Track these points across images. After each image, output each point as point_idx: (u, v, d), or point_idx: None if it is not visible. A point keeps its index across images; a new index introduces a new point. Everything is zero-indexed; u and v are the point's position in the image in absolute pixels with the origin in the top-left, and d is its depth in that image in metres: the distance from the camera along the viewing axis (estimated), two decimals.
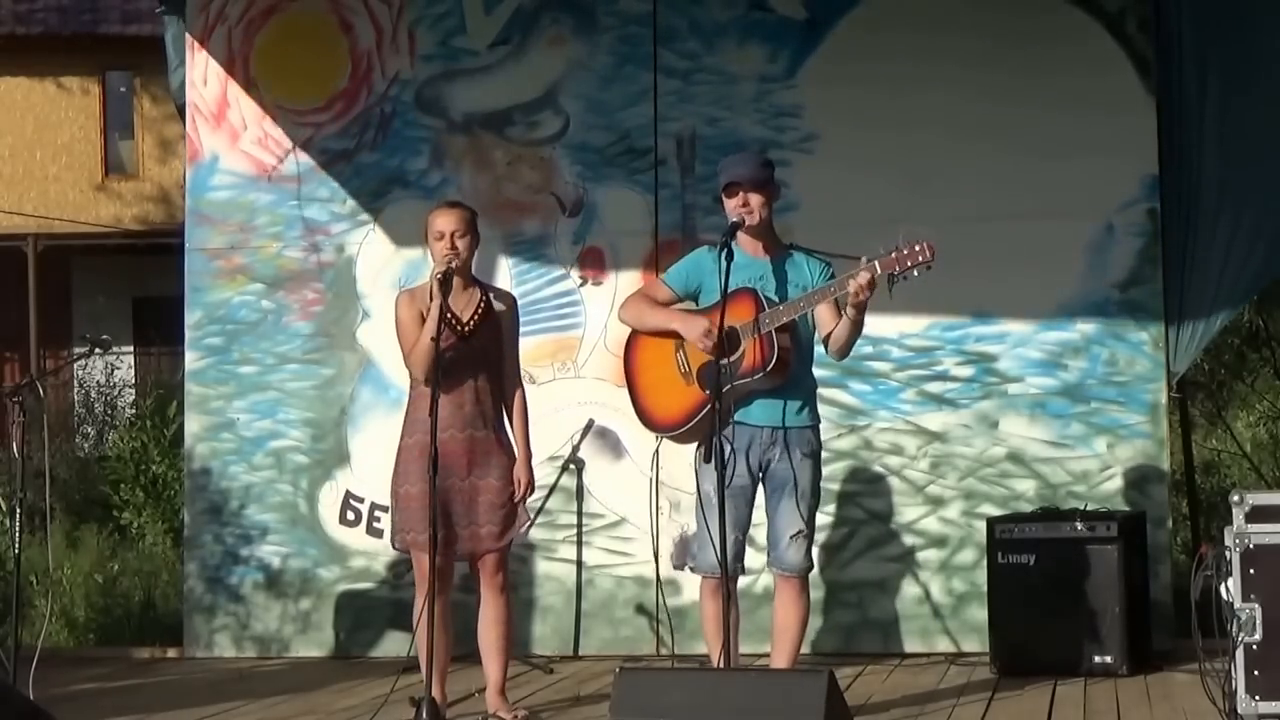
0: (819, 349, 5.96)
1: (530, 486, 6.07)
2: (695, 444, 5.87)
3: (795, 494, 5.81)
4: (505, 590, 6.08)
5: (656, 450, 6.34)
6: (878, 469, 7.65)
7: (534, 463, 6.13)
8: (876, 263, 5.60)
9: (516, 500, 6.02)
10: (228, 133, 8.25)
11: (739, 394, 5.76)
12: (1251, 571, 5.39)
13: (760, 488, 5.89)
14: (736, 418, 5.76)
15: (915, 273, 5.61)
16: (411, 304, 6.02)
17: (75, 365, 16.88)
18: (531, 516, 6.19)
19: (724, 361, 5.65)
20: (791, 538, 5.83)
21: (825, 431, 6.03)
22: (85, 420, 17.36)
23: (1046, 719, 5.98)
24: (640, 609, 7.76)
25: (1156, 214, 7.45)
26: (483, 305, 6.04)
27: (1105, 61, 7.50)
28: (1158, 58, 7.48)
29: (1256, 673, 5.34)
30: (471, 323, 6.00)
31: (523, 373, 6.25)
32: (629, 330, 6.09)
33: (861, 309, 5.67)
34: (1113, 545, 6.79)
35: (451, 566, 6.08)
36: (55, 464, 12.69)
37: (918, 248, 5.59)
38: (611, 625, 7.79)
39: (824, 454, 6.04)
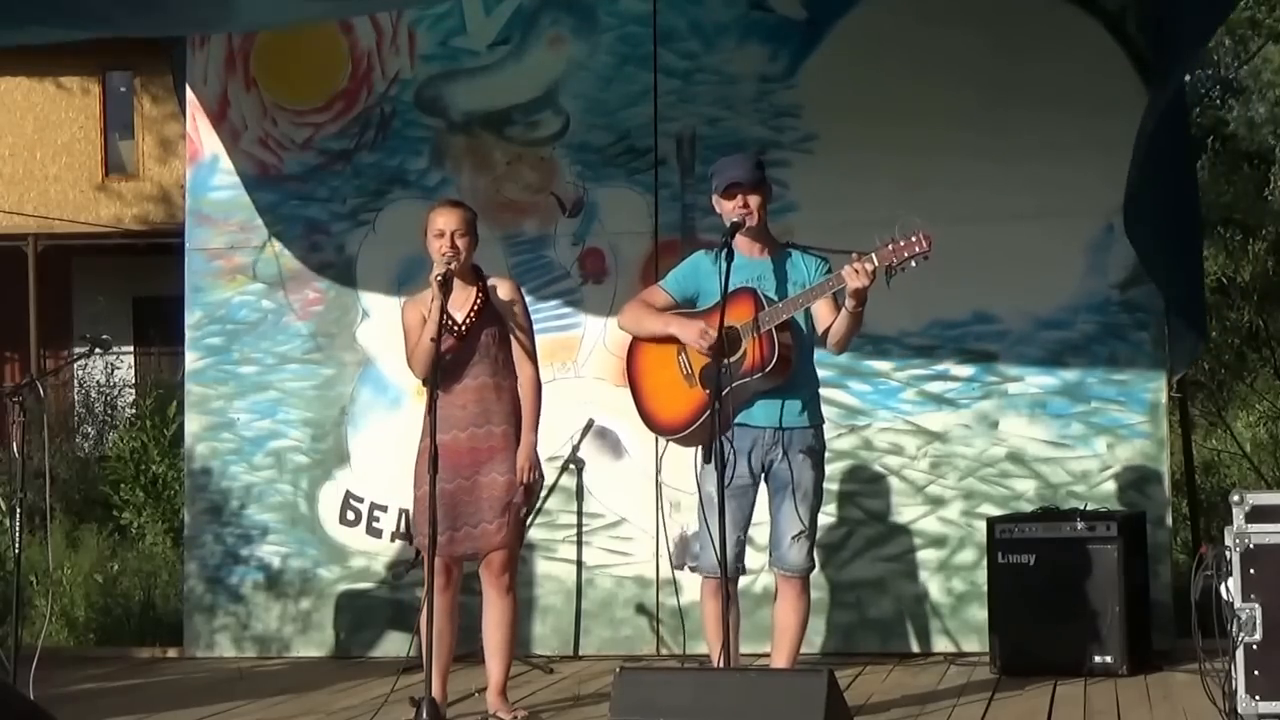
0: (819, 348, 5.96)
1: (531, 471, 5.99)
2: (698, 446, 5.86)
3: (796, 495, 5.82)
4: (511, 591, 6.08)
5: (661, 454, 6.33)
6: (878, 469, 7.65)
7: None
8: (874, 255, 5.61)
9: (519, 483, 5.99)
10: (228, 133, 8.25)
11: (742, 396, 5.75)
12: (1251, 571, 5.39)
13: (763, 488, 5.89)
14: (739, 419, 5.76)
15: (913, 263, 5.62)
16: (415, 308, 6.04)
17: (75, 365, 16.88)
18: (527, 503, 6.14)
19: (725, 362, 5.65)
20: (793, 538, 5.83)
21: (825, 431, 6.02)
22: (85, 420, 17.35)
23: (1046, 719, 5.98)
24: (640, 609, 7.76)
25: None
26: (479, 301, 6.03)
27: (1105, 61, 7.50)
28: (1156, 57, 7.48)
29: (1256, 673, 5.34)
30: (467, 322, 6.00)
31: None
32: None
33: (861, 301, 5.66)
34: (1113, 545, 6.78)
35: (459, 566, 6.08)
36: (55, 464, 12.72)
37: (914, 238, 5.60)
38: (611, 625, 7.80)
39: (824, 454, 6.03)
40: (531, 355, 6.13)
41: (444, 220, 5.98)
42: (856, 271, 5.59)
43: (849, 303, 5.69)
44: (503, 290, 6.12)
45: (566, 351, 7.85)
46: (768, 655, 6.09)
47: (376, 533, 7.98)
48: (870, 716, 6.05)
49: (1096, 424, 7.51)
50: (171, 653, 8.27)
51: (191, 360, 8.29)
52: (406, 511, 6.19)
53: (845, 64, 7.70)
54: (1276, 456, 11.25)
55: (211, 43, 8.24)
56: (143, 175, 20.77)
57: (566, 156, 7.98)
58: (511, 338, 6.08)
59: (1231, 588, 5.38)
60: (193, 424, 8.28)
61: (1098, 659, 6.72)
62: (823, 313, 5.84)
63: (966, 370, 7.61)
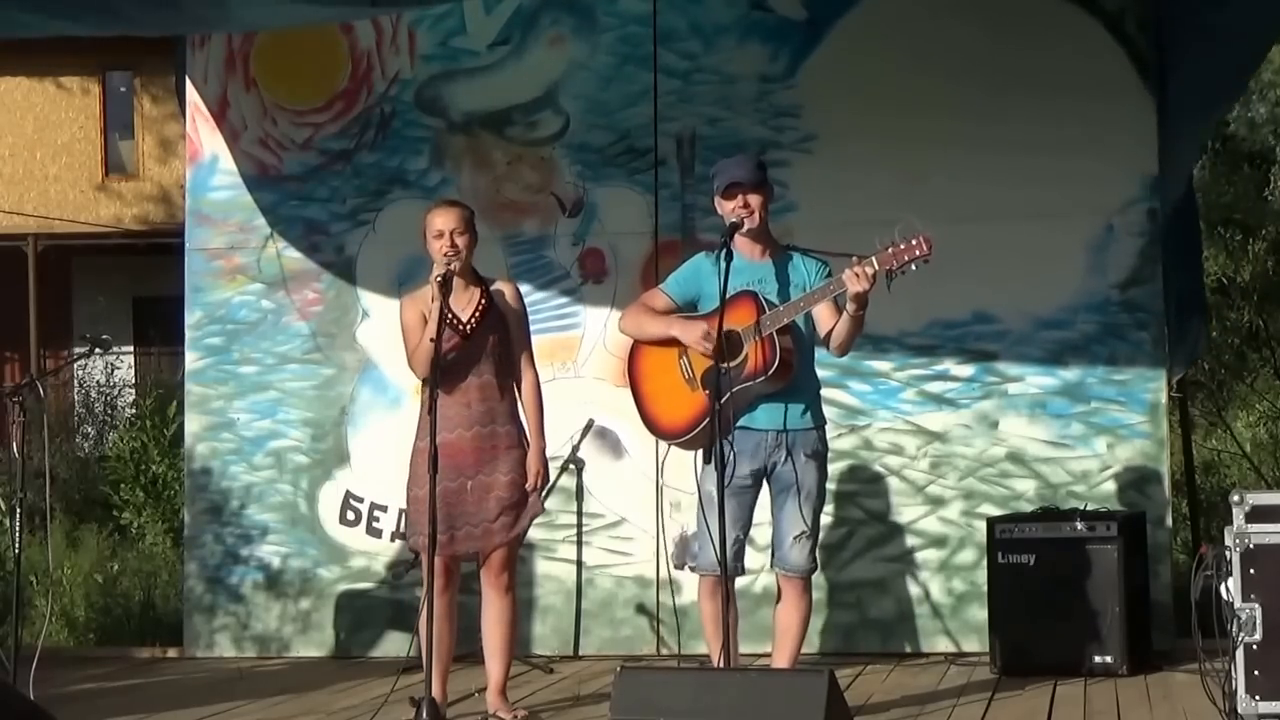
0: (820, 349, 5.96)
1: (544, 476, 6.05)
2: (699, 449, 5.85)
3: (799, 495, 5.81)
4: (510, 590, 6.09)
5: (663, 458, 6.33)
6: (878, 469, 7.65)
7: None
8: (874, 258, 5.61)
9: (529, 489, 6.01)
10: (228, 133, 8.25)
11: (743, 399, 5.75)
12: (1251, 571, 5.39)
13: (765, 490, 5.89)
14: (741, 423, 5.76)
15: (913, 267, 5.62)
16: (414, 306, 6.04)
17: (75, 365, 16.89)
18: (544, 507, 6.19)
19: (727, 365, 5.64)
20: (795, 539, 5.83)
21: (826, 431, 6.02)
22: (85, 420, 17.35)
23: (1046, 719, 5.99)
24: (640, 609, 7.76)
25: (1156, 214, 7.45)
26: (483, 302, 6.04)
27: (1105, 61, 7.50)
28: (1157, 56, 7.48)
29: (1256, 673, 5.34)
30: (472, 322, 6.00)
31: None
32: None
33: (862, 305, 5.66)
34: (1113, 545, 6.79)
35: (458, 565, 6.08)
36: (55, 464, 12.72)
37: (914, 242, 5.60)
38: (611, 625, 7.80)
39: (827, 455, 6.03)
40: (533, 360, 6.16)
41: (442, 220, 5.98)
42: (857, 275, 5.59)
43: (850, 306, 5.69)
44: (508, 294, 6.14)
45: (566, 351, 7.85)
46: (768, 655, 6.09)
47: (376, 533, 7.98)
48: (870, 716, 6.05)
49: (1096, 424, 7.51)
50: (171, 653, 8.26)
51: (191, 360, 8.28)
52: (406, 512, 6.19)
53: (845, 64, 7.70)
54: (1276, 456, 11.27)
55: (211, 43, 8.24)
56: (143, 175, 20.77)
57: (566, 156, 7.98)
58: (514, 340, 6.10)
59: (1231, 588, 5.38)
60: (193, 424, 8.28)
61: (1098, 659, 6.72)
62: (824, 316, 5.83)
63: (966, 370, 7.61)
